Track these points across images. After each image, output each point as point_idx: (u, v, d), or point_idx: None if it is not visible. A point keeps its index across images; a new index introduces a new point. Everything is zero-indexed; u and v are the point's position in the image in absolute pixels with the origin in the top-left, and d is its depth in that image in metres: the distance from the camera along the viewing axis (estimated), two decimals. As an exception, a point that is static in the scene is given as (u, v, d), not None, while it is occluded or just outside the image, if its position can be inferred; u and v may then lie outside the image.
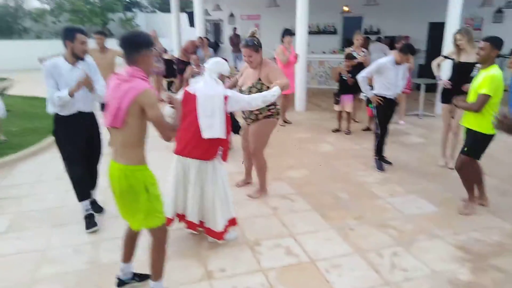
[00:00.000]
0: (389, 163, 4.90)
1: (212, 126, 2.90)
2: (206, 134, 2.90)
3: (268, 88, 3.50)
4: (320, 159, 5.21)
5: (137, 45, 2.15)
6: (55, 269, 2.82)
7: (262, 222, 3.51)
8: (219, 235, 3.04)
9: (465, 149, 3.50)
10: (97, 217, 3.53)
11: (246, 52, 3.60)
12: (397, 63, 4.59)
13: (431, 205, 3.83)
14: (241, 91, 3.69)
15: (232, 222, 3.16)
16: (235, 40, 13.17)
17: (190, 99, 2.93)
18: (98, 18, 19.90)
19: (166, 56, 9.82)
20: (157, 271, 2.40)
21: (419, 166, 4.92)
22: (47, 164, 5.10)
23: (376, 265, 2.86)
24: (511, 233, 3.31)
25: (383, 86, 4.65)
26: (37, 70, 18.14)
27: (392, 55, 4.75)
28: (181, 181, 3.03)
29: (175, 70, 9.31)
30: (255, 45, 3.60)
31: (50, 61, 3.15)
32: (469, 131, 3.48)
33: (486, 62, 3.35)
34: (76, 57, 3.16)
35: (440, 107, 5.08)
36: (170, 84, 10.38)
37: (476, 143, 3.44)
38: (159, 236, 2.34)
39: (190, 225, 3.08)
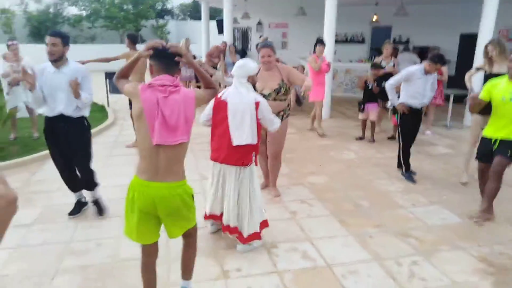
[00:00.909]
0: (413, 173, 4.79)
1: (242, 133, 2.89)
2: (236, 141, 2.91)
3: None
4: (343, 167, 5.17)
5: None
6: (78, 262, 2.94)
7: (280, 225, 3.52)
8: (252, 237, 3.05)
9: (509, 153, 3.38)
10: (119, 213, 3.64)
11: (266, 52, 3.71)
12: (426, 72, 4.51)
13: (455, 216, 3.73)
14: (262, 96, 3.71)
15: (265, 223, 3.20)
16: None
17: (221, 106, 2.94)
18: (131, 24, 20.65)
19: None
20: (192, 270, 2.42)
21: (444, 177, 4.80)
22: (77, 161, 5.31)
23: (394, 273, 2.82)
24: (540, 249, 3.17)
25: (410, 95, 4.57)
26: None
27: (423, 64, 4.65)
28: (220, 185, 3.10)
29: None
30: (273, 46, 3.81)
31: (42, 64, 3.37)
32: (508, 142, 3.38)
33: None
34: (50, 60, 3.25)
35: (469, 119, 4.90)
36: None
37: None
38: (194, 234, 2.35)
39: (226, 228, 3.10)
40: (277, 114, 3.77)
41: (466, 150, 4.72)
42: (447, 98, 7.42)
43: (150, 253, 2.25)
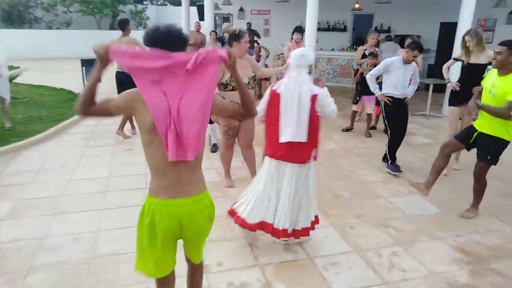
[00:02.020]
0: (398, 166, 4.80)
1: (291, 128, 2.70)
2: (283, 137, 2.72)
3: None
4: (324, 157, 5.17)
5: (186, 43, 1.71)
6: (52, 258, 2.84)
7: (262, 217, 3.49)
8: (305, 232, 2.95)
9: (488, 157, 3.37)
10: (97, 207, 3.56)
11: (247, 38, 3.71)
12: (405, 61, 4.52)
13: (434, 206, 3.79)
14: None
15: (316, 220, 3.04)
16: (250, 36, 12.64)
17: (276, 98, 2.75)
18: (108, 9, 19.97)
19: None
20: None
21: (423, 167, 4.86)
22: (51, 152, 5.14)
23: (374, 264, 2.84)
24: (513, 237, 3.26)
25: (391, 85, 4.59)
26: (46, 59, 18.24)
27: (401, 54, 4.66)
28: (274, 187, 2.85)
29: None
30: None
31: None
32: (490, 138, 3.34)
33: (504, 67, 3.19)
34: None
35: (448, 109, 4.97)
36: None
37: (499, 150, 3.35)
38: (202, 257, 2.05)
39: (278, 233, 2.86)
40: None
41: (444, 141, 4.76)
42: (425, 87, 7.50)
43: (169, 281, 1.93)
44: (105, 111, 1.65)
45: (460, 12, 7.25)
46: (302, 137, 2.71)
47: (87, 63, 8.53)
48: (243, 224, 2.89)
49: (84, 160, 4.88)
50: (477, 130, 3.42)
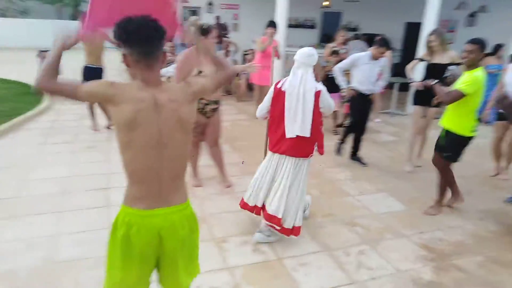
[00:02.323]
0: (364, 164, 4.88)
1: (296, 124, 2.82)
2: (289, 133, 2.83)
3: None
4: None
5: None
6: (4, 266, 2.64)
7: (231, 218, 3.43)
8: (290, 232, 2.96)
9: (445, 154, 3.46)
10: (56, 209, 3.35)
11: (214, 34, 3.62)
12: (374, 58, 4.59)
13: (399, 203, 3.87)
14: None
15: (296, 230, 2.99)
16: (218, 31, 12.42)
17: (281, 96, 2.86)
18: (69, -2, 19.07)
19: None
20: None
21: (390, 164, 4.97)
22: (5, 150, 4.81)
23: (343, 263, 2.85)
24: (473, 232, 3.38)
25: (358, 80, 4.69)
26: (1, 49, 17.10)
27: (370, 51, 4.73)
28: (270, 175, 3.00)
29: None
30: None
31: None
32: (447, 133, 3.44)
33: (474, 65, 3.28)
34: None
35: (411, 107, 5.11)
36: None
37: (457, 146, 3.42)
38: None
39: (269, 217, 2.95)
40: (208, 104, 3.73)
41: (409, 139, 4.88)
42: (391, 86, 7.67)
43: None
44: (68, 91, 1.47)
45: (425, 13, 7.46)
46: (306, 132, 2.83)
47: (45, 55, 8.06)
48: (244, 206, 3.13)
49: (41, 158, 4.60)
50: (442, 127, 3.52)
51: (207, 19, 13.66)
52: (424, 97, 4.58)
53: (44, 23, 17.81)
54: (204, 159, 4.25)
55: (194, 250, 1.73)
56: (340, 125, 6.55)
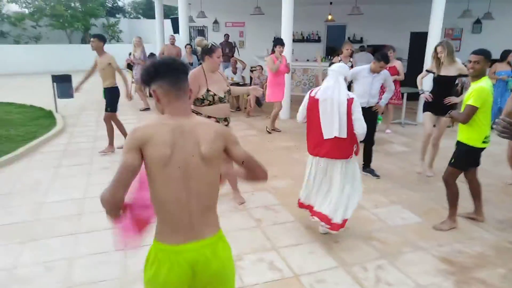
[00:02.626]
0: (377, 176, 4.85)
1: (331, 127, 3.14)
2: (327, 134, 3.16)
3: None
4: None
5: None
6: (25, 290, 2.66)
7: (246, 235, 3.42)
8: (339, 226, 3.20)
9: (452, 160, 3.45)
10: (72, 231, 3.38)
11: (220, 52, 3.65)
12: (372, 71, 4.62)
13: (415, 215, 3.81)
14: (219, 99, 3.61)
15: (343, 223, 3.26)
16: (226, 48, 11.45)
17: (314, 103, 3.20)
18: (79, 23, 19.57)
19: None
20: None
21: (402, 176, 4.92)
22: (21, 174, 4.89)
23: (360, 279, 2.80)
24: (493, 244, 3.31)
25: (358, 94, 4.67)
26: (14, 75, 17.66)
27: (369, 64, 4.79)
28: (318, 178, 3.32)
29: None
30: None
31: None
32: (458, 143, 3.44)
33: (479, 75, 3.27)
34: None
35: (422, 115, 5.14)
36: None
37: (463, 155, 3.41)
38: None
39: (321, 216, 3.24)
40: (227, 117, 3.75)
41: (421, 144, 5.00)
42: (402, 96, 7.67)
43: None
44: (130, 178, 1.45)
45: (429, 22, 7.49)
46: (343, 133, 3.14)
47: (58, 79, 8.27)
48: (301, 205, 3.48)
49: (57, 181, 4.67)
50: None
51: (214, 37, 13.92)
52: (435, 106, 4.58)
53: (55, 48, 18.32)
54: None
55: (229, 283, 1.65)
56: None
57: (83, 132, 6.90)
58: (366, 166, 4.92)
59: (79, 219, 3.70)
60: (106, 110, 5.64)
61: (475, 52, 3.28)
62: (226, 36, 12.00)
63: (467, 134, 3.35)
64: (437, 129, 4.75)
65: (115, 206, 1.44)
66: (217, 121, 3.70)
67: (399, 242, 3.32)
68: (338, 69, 3.23)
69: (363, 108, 4.72)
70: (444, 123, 4.69)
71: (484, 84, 3.23)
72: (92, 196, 4.20)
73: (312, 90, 3.30)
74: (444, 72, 4.53)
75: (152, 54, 10.30)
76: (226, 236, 3.40)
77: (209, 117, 3.61)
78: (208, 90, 3.54)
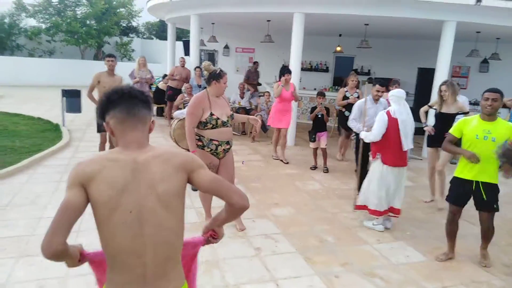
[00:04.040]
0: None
1: (409, 140, 3.94)
2: (406, 147, 3.91)
3: None
4: (307, 198, 5.10)
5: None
6: (14, 308, 2.58)
7: (244, 264, 3.33)
8: (398, 212, 4.17)
9: (495, 206, 3.37)
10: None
11: (226, 79, 3.70)
12: (374, 99, 4.89)
13: (419, 253, 3.71)
14: (222, 123, 3.66)
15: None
16: (253, 77, 10.97)
17: (394, 122, 3.87)
18: (93, 40, 20.02)
19: (160, 85, 10.15)
20: None
21: (406, 211, 4.82)
22: (22, 187, 4.86)
23: (361, 318, 2.70)
24: (501, 289, 3.20)
25: (367, 125, 4.78)
26: (26, 87, 17.94)
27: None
28: (389, 184, 4.00)
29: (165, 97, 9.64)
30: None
31: None
32: (491, 186, 3.33)
33: (496, 113, 3.27)
34: None
35: (426, 150, 5.35)
36: (161, 110, 10.58)
37: (497, 195, 3.38)
38: None
39: (398, 211, 4.18)
40: (229, 140, 3.79)
41: (428, 178, 5.27)
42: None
43: None
44: (74, 220, 1.30)
45: (437, 59, 7.58)
46: (411, 145, 4.04)
47: (67, 94, 8.37)
48: (374, 213, 4.10)
49: (57, 195, 4.63)
50: (473, 181, 3.35)
51: (223, 62, 14.16)
52: (437, 140, 4.77)
53: (68, 62, 18.69)
54: (217, 200, 4.21)
55: None
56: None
57: (88, 148, 6.91)
58: None
59: (76, 236, 3.62)
60: None
61: (492, 90, 3.24)
62: (256, 64, 11.12)
63: (494, 174, 3.30)
64: (441, 157, 4.92)
65: (54, 256, 1.23)
66: (219, 145, 3.68)
67: (402, 281, 3.21)
68: (398, 94, 3.96)
69: None
70: (445, 154, 4.84)
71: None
72: (90, 212, 4.14)
73: (388, 111, 3.93)
74: (445, 109, 4.82)
75: (165, 76, 10.49)
76: (224, 263, 3.32)
77: (211, 140, 3.63)
78: (211, 114, 3.59)
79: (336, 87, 11.66)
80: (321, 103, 6.32)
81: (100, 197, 1.27)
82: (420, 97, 11.44)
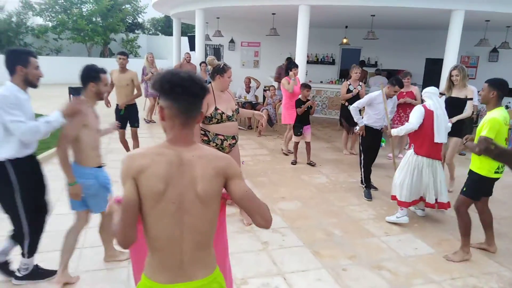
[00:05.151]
0: (375, 188, 5.11)
1: (443, 134, 3.96)
2: (438, 139, 3.94)
3: None
4: (315, 191, 5.08)
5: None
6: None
7: (251, 258, 3.34)
8: (447, 205, 4.11)
9: (464, 189, 3.39)
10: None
11: (230, 73, 3.70)
12: (387, 96, 4.78)
13: (427, 246, 3.69)
14: (227, 118, 3.65)
15: (449, 204, 4.11)
16: (285, 74, 10.33)
17: (430, 114, 3.93)
18: (99, 37, 20.09)
19: None
20: None
21: (414, 203, 4.80)
22: None
23: (369, 311, 2.69)
24: (510, 281, 3.16)
25: (372, 118, 4.87)
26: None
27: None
28: (420, 175, 4.01)
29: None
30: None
31: (7, 89, 2.57)
32: (470, 172, 3.38)
33: (487, 103, 3.29)
34: (28, 84, 2.70)
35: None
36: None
37: (474, 184, 3.33)
38: None
39: (429, 205, 4.11)
40: (235, 135, 3.77)
41: None
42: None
43: None
44: (134, 215, 1.38)
45: (445, 49, 7.47)
46: (445, 140, 4.10)
47: (74, 91, 8.44)
48: (402, 204, 4.09)
49: (62, 193, 4.66)
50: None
51: (229, 56, 14.12)
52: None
53: (75, 60, 18.78)
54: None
55: None
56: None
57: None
58: (367, 186, 5.01)
59: (84, 233, 3.66)
60: (133, 126, 5.78)
61: (486, 81, 3.33)
62: (288, 60, 9.54)
63: (479, 164, 3.29)
64: (449, 148, 4.90)
65: (130, 244, 1.39)
66: (225, 139, 3.68)
67: (410, 274, 3.19)
68: (431, 90, 4.06)
69: (376, 131, 4.91)
70: (454, 143, 4.85)
71: (497, 115, 3.19)
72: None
73: (424, 105, 4.00)
74: (455, 94, 4.80)
75: None
76: (232, 258, 3.32)
77: (217, 134, 3.62)
78: (216, 109, 3.58)
79: (343, 79, 11.56)
80: (307, 98, 6.16)
81: (148, 189, 1.36)
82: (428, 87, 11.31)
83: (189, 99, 1.38)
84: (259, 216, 1.46)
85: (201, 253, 1.45)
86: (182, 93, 1.36)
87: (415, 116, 4.00)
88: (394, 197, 4.20)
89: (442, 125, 3.94)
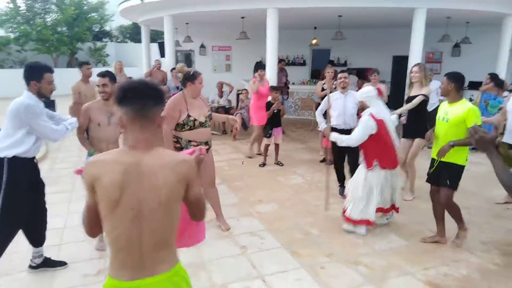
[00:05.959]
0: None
1: (396, 140, 3.83)
2: (397, 143, 3.85)
3: None
4: (291, 192, 5.14)
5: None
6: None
7: (231, 262, 3.35)
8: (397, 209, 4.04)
9: (448, 183, 3.45)
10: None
11: (201, 79, 3.67)
12: (342, 91, 4.82)
13: (401, 239, 3.80)
14: (200, 124, 3.65)
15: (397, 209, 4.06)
16: (283, 78, 9.76)
17: (381, 123, 3.66)
18: (66, 47, 19.57)
19: None
20: None
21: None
22: (0, 203, 4.73)
23: (347, 307, 2.75)
24: (478, 266, 3.31)
25: (334, 117, 4.80)
26: (-2, 100, 17.09)
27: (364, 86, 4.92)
28: (385, 185, 3.81)
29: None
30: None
31: (28, 97, 2.85)
32: (447, 165, 3.45)
33: (447, 95, 3.47)
34: (41, 96, 2.93)
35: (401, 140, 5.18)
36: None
37: (457, 175, 3.46)
38: None
39: (397, 209, 4.04)
40: (208, 141, 3.77)
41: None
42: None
43: None
44: (97, 211, 1.47)
45: (410, 46, 7.73)
46: (398, 144, 3.98)
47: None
48: (360, 222, 3.83)
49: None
50: (436, 160, 3.53)
51: (200, 61, 14.05)
52: (407, 129, 4.81)
53: (41, 72, 18.17)
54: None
55: None
56: (323, 160, 6.51)
57: (66, 158, 6.79)
58: (341, 184, 5.05)
59: (59, 249, 3.58)
60: None
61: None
62: (281, 62, 9.61)
63: (457, 155, 3.41)
64: (412, 150, 4.73)
65: (96, 236, 1.59)
66: (198, 145, 3.67)
67: (385, 267, 3.29)
68: (367, 94, 3.77)
69: (342, 130, 4.67)
70: (417, 145, 4.69)
71: (471, 105, 3.40)
72: (72, 225, 4.09)
73: (371, 114, 3.66)
74: (414, 93, 4.63)
75: None
76: (211, 264, 3.32)
77: (189, 141, 3.61)
78: (188, 116, 3.58)
79: (314, 80, 11.75)
80: (276, 99, 6.22)
81: (103, 196, 1.42)
82: (395, 84, 11.65)
83: (142, 101, 1.44)
84: (199, 215, 1.66)
85: (161, 252, 1.50)
86: (135, 96, 1.43)
87: (361, 131, 3.65)
88: (348, 219, 3.86)
89: (393, 128, 3.79)
